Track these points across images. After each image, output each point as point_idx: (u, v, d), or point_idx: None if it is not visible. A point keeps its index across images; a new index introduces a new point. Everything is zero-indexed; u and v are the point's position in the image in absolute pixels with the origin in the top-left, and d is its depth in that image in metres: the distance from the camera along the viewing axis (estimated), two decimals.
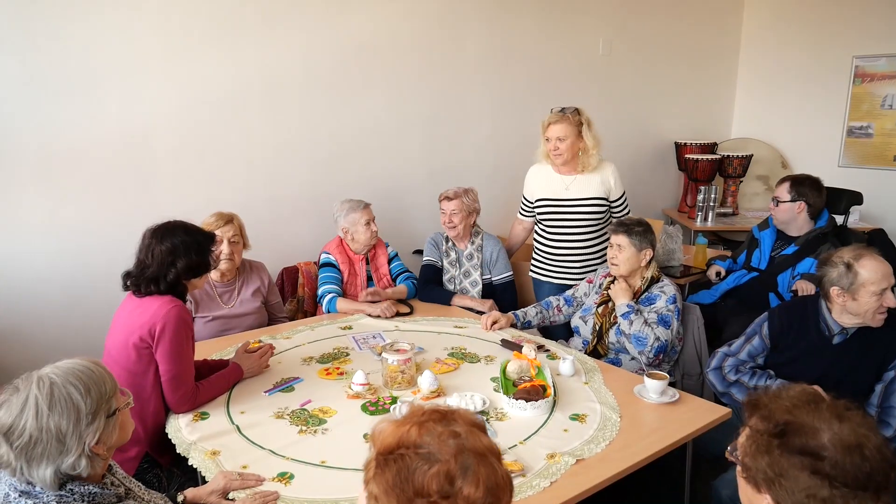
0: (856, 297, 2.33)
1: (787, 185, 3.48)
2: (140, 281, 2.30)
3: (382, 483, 1.06)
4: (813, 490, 1.13)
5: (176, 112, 3.37)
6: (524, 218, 3.71)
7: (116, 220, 3.23)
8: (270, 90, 3.65)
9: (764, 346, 2.61)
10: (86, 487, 1.42)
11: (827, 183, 3.63)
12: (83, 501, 1.39)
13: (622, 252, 2.92)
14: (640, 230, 2.91)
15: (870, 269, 2.30)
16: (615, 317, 2.91)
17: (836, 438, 1.15)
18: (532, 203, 3.57)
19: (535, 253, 3.65)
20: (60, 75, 3.03)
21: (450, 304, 3.51)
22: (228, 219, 3.06)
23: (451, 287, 3.67)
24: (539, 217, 3.56)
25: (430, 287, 3.61)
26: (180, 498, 1.84)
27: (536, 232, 3.65)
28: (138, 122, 3.26)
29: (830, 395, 1.24)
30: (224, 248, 3.00)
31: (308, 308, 3.65)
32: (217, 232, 2.98)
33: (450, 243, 3.71)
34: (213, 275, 3.08)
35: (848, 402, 1.22)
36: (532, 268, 3.68)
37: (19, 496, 1.38)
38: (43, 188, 3.08)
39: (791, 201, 3.44)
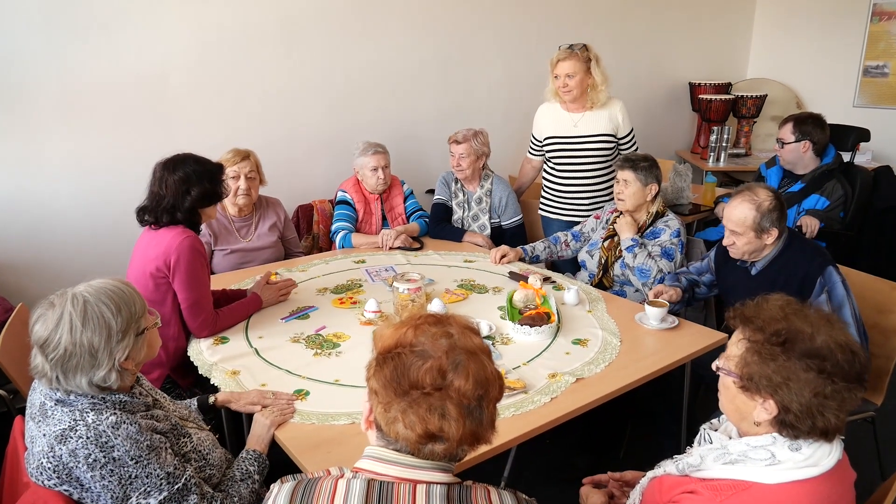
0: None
1: (790, 126, 3.49)
2: (157, 212, 2.37)
3: (381, 378, 1.17)
4: (819, 388, 1.24)
5: (192, 51, 3.42)
6: (533, 157, 3.76)
7: (136, 157, 3.30)
8: (285, 30, 3.68)
9: (709, 267, 2.80)
10: (117, 396, 1.52)
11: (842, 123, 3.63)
12: (115, 408, 1.50)
13: (628, 187, 2.98)
14: (645, 165, 2.96)
15: (727, 207, 2.49)
16: (620, 250, 2.99)
17: (830, 340, 1.26)
18: (541, 142, 3.61)
19: (544, 191, 3.71)
20: (78, 16, 3.08)
21: (461, 242, 3.58)
22: (245, 155, 3.13)
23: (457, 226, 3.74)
24: (548, 155, 3.61)
25: (441, 225, 3.68)
26: (212, 399, 1.97)
27: (545, 170, 3.70)
28: (156, 61, 3.32)
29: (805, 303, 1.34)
30: (241, 184, 3.09)
31: (323, 245, 3.75)
32: (235, 168, 3.07)
33: (459, 184, 3.74)
34: (231, 209, 3.18)
35: (820, 308, 1.32)
36: (541, 205, 3.74)
37: (55, 405, 1.47)
38: (64, 127, 3.16)
39: (796, 141, 3.47)
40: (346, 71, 3.96)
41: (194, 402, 1.96)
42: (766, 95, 5.69)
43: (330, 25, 3.83)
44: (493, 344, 2.30)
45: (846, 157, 3.99)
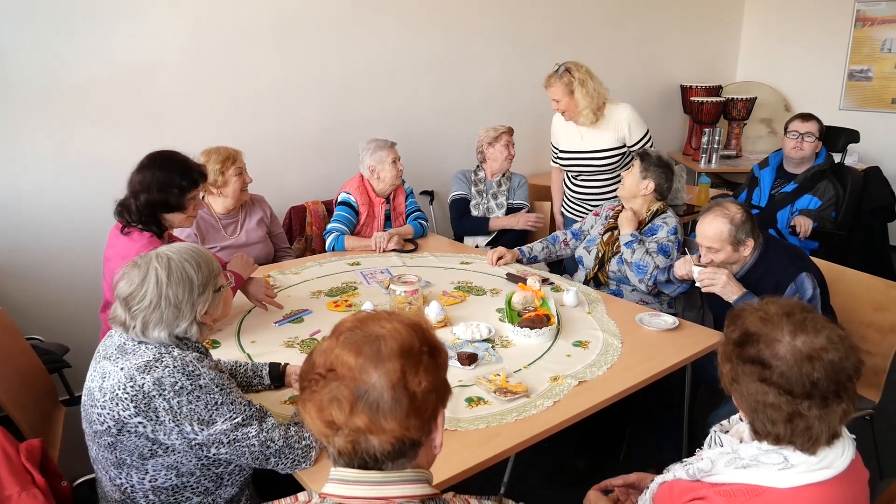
0: None
1: (815, 123, 3.49)
2: (120, 209, 2.41)
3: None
4: (760, 396, 1.25)
5: (184, 48, 3.35)
6: (556, 165, 3.80)
7: (122, 156, 3.17)
8: (280, 27, 3.63)
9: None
10: (196, 344, 1.66)
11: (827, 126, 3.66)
12: (196, 351, 1.62)
13: (631, 174, 3.01)
14: (653, 162, 2.98)
15: (700, 225, 2.48)
16: (618, 246, 2.98)
17: (791, 349, 1.23)
18: (557, 150, 3.68)
19: (565, 193, 3.81)
20: (64, 9, 3.00)
21: (489, 229, 3.78)
22: (236, 150, 3.11)
23: (475, 213, 3.85)
24: (561, 165, 3.69)
25: (465, 219, 3.81)
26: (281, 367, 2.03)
27: (565, 174, 3.78)
28: (145, 57, 3.25)
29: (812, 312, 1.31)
30: (246, 177, 3.12)
31: (316, 247, 3.68)
32: (238, 164, 3.07)
33: (479, 175, 3.89)
34: (219, 207, 3.15)
35: (822, 317, 1.29)
36: (562, 205, 3.84)
37: (137, 344, 1.57)
38: (50, 124, 3.08)
39: (818, 139, 3.48)
40: (341, 70, 3.91)
41: (266, 366, 2.02)
42: (756, 98, 5.73)
43: (325, 23, 3.78)
44: (492, 347, 2.27)
45: (836, 158, 4.01)
